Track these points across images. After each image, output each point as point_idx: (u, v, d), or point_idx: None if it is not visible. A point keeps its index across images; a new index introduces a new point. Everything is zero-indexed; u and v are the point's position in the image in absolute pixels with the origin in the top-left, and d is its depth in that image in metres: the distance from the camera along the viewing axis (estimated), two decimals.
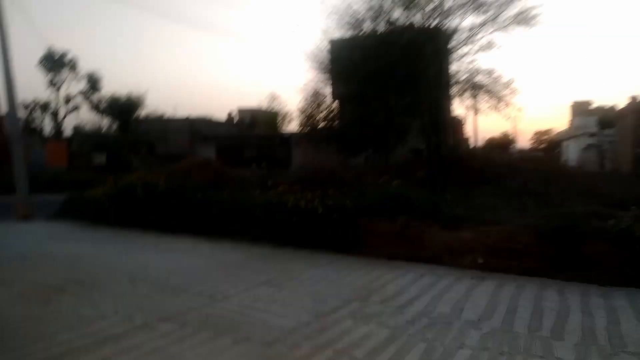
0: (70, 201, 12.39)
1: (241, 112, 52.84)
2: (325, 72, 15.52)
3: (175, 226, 9.63)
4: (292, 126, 45.45)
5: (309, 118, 17.35)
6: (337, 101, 17.26)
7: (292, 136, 29.45)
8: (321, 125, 17.05)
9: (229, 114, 49.68)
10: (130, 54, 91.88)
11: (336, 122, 16.82)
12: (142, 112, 39.55)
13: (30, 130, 34.99)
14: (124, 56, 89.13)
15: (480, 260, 6.61)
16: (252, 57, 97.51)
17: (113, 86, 79.62)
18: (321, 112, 17.16)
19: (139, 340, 3.90)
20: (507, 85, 12.91)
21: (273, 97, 50.55)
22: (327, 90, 17.03)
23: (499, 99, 12.99)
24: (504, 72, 52.29)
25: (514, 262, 6.41)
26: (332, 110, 17.09)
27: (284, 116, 45.24)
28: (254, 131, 41.53)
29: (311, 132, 17.28)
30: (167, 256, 7.48)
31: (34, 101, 37.01)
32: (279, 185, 9.33)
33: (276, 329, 4.25)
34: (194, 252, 7.81)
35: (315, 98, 16.92)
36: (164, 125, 39.15)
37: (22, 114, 34.30)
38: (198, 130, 36.06)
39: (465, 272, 6.39)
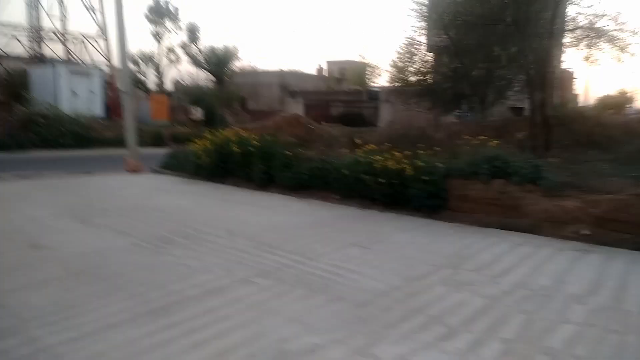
0: (173, 155, 13.38)
1: (330, 65, 52.52)
2: (422, 20, 14.73)
3: (266, 182, 10.05)
4: (382, 81, 44.34)
5: (400, 71, 16.66)
6: (432, 54, 16.36)
7: (381, 92, 28.79)
8: (413, 79, 16.30)
9: (318, 67, 49.66)
10: (223, 4, 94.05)
11: (430, 76, 15.98)
12: (236, 66, 40.91)
13: (137, 83, 37.66)
14: (217, 6, 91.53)
15: (585, 232, 6.13)
16: (344, 4, 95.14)
17: (209, 39, 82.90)
18: (414, 64, 16.37)
19: (241, 294, 4.20)
20: (635, 33, 11.32)
21: (364, 49, 49.33)
22: (423, 41, 16.22)
23: (622, 49, 11.48)
24: (630, 18, 45.82)
25: (626, 236, 5.87)
26: (426, 63, 16.23)
27: (374, 69, 44.03)
28: (343, 85, 41.19)
29: (402, 87, 16.60)
30: (260, 212, 7.86)
31: (140, 54, 39.66)
32: (366, 143, 9.26)
33: (367, 290, 4.35)
34: (285, 209, 8.12)
35: (409, 49, 16.19)
36: (255, 79, 40.25)
37: (131, 67, 36.94)
38: (287, 84, 36.57)
39: (567, 244, 5.99)
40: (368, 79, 43.75)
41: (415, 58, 16.47)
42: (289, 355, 3.17)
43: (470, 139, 8.94)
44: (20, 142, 18.68)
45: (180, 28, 38.79)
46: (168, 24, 38.68)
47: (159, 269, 4.82)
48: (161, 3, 37.79)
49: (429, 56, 16.50)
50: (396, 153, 8.20)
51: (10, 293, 4.13)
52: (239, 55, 40.43)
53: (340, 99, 29.47)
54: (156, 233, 6.28)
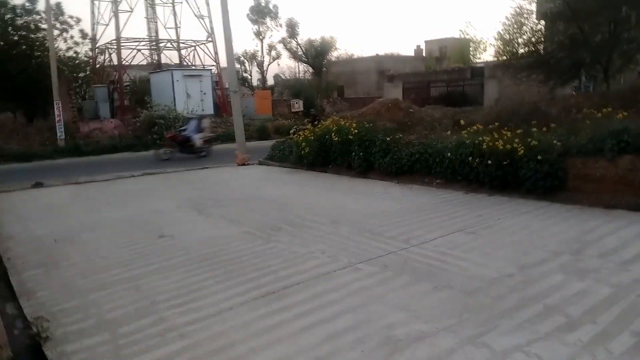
0: (276, 147, 13.98)
1: (428, 44, 50.65)
2: None
3: (366, 169, 10.06)
4: (486, 56, 41.68)
5: (507, 44, 15.39)
6: (543, 22, 14.90)
7: (485, 67, 27.08)
8: (522, 51, 14.96)
9: (417, 48, 48.19)
10: None
11: (542, 45, 14.53)
12: (334, 55, 41.34)
13: (242, 81, 39.94)
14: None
15: None
16: None
17: (307, 32, 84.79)
18: (523, 35, 15.01)
19: (346, 280, 4.29)
20: None
21: (465, 24, 46.75)
22: (532, 8, 14.86)
23: None
24: None
25: None
26: (537, 32, 14.79)
27: (477, 45, 41.49)
28: (443, 64, 39.51)
29: (510, 60, 15.32)
30: (362, 199, 7.91)
31: (244, 53, 41.90)
32: (471, 124, 8.80)
33: (477, 278, 4.17)
34: (386, 196, 8.07)
35: (517, 19, 14.90)
36: (352, 67, 40.34)
37: (237, 67, 39.19)
38: (385, 69, 36.05)
39: None
40: (471, 55, 41.36)
41: (525, 28, 15.10)
42: (397, 341, 3.17)
43: (591, 113, 8.07)
44: (145, 142, 20.83)
45: (280, 25, 40.23)
46: (269, 22, 40.27)
47: (269, 256, 5.09)
48: (262, 2, 39.37)
49: (541, 24, 15.05)
50: (506, 132, 7.69)
51: (144, 277, 4.66)
52: (336, 44, 40.69)
53: (441, 79, 28.27)
54: (265, 221, 6.63)
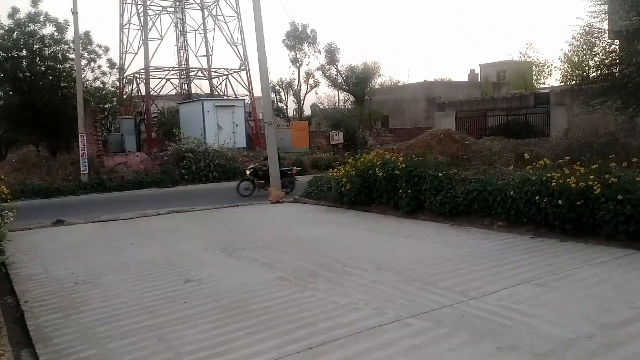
0: (314, 183, 14.10)
1: (484, 68, 50.58)
2: (602, 1, 13.35)
3: (415, 208, 9.95)
4: (551, 81, 41.14)
5: (576, 67, 15.13)
6: (617, 41, 14.63)
7: (551, 93, 26.65)
8: (594, 74, 14.62)
9: (470, 72, 48.13)
10: (359, 19, 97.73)
11: (617, 68, 14.18)
12: (377, 82, 41.80)
13: (277, 111, 40.74)
14: (355, 23, 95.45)
15: None
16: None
17: (347, 58, 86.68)
18: (594, 56, 14.74)
19: (394, 336, 4.18)
20: None
21: (525, 46, 46.40)
22: (604, 27, 14.66)
23: None
24: None
25: None
26: (611, 53, 14.48)
27: (541, 68, 41.01)
28: (502, 91, 39.20)
29: (580, 85, 14.97)
30: (411, 243, 7.80)
31: (279, 82, 42.99)
32: (537, 158, 8.61)
33: (549, 338, 3.97)
34: (439, 239, 7.93)
35: (587, 38, 14.69)
36: (398, 94, 40.64)
37: (272, 96, 40.03)
38: (435, 96, 36.11)
39: None
40: (533, 80, 40.92)
41: (596, 49, 14.87)
42: None
43: None
44: (173, 177, 21.55)
45: (318, 51, 41.19)
46: (306, 47, 41.40)
47: (306, 305, 5.06)
48: (299, 27, 40.59)
49: (615, 44, 14.78)
50: (579, 168, 7.47)
51: (168, 325, 4.71)
52: (380, 70, 41.08)
53: (499, 107, 27.97)
54: (301, 266, 6.63)
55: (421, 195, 9.86)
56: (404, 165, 10.25)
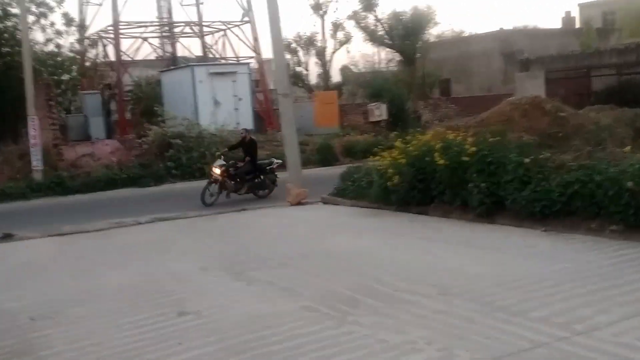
0: (348, 176, 14.09)
1: (585, 9, 49.64)
2: None
3: (491, 209, 9.86)
4: None
5: None
6: None
7: None
8: None
9: (565, 16, 47.32)
10: None
11: None
12: (432, 34, 41.33)
13: (295, 78, 40.46)
14: None
15: None
16: None
17: (390, 1, 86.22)
18: None
19: None
20: None
21: None
22: None
23: None
24: None
25: None
26: None
27: None
28: (611, 41, 38.38)
29: None
30: (486, 257, 7.75)
31: (297, 37, 42.84)
32: None
33: None
34: (527, 251, 7.88)
35: None
36: (462, 50, 40.20)
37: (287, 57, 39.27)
38: (515, 50, 35.54)
39: None
40: None
41: None
42: None
43: None
44: (156, 173, 21.74)
45: None
46: None
47: (345, 346, 5.08)
48: None
49: None
50: None
51: None
52: (436, 17, 40.37)
53: (607, 64, 27.40)
54: (334, 290, 6.64)
55: (500, 189, 9.76)
56: (474, 149, 10.15)
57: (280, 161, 16.53)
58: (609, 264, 6.95)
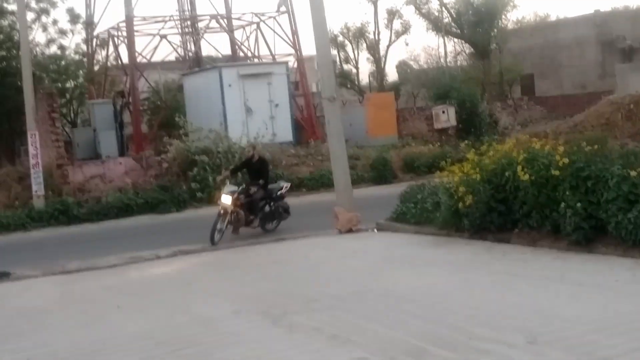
0: (409, 197, 14.02)
1: None
2: None
3: (590, 234, 9.71)
4: None
5: None
6: None
7: None
8: None
9: None
10: None
11: None
12: (510, 20, 41.03)
13: (342, 78, 40.47)
14: None
15: None
16: None
17: None
18: None
19: None
20: None
21: None
22: None
23: None
24: None
25: None
26: None
27: None
28: None
29: None
30: (585, 296, 7.65)
31: (343, 29, 42.99)
32: None
33: None
34: (634, 288, 7.76)
35: None
36: (548, 39, 39.77)
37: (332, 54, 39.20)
38: (614, 37, 35.02)
39: None
40: None
41: None
42: None
43: None
44: (178, 196, 21.91)
45: None
46: None
47: None
48: None
49: None
50: None
51: None
52: (514, 1, 40.09)
53: None
54: (398, 339, 6.57)
55: (600, 211, 9.62)
56: (567, 161, 10.04)
57: (289, 184, 16.20)
58: None
